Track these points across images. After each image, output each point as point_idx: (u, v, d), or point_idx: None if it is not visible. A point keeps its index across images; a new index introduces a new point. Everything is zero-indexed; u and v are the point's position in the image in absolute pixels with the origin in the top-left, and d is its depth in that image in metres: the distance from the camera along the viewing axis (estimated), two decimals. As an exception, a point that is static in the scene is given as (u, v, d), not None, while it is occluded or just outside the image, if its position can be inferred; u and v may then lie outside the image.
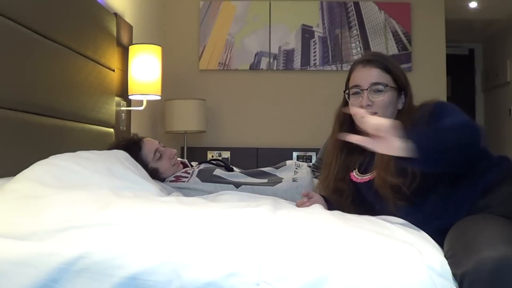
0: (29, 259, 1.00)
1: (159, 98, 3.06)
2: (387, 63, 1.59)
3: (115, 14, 2.79)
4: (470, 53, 6.04)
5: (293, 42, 4.23)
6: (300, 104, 4.21)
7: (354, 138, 1.29)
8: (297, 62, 4.23)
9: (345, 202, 1.66)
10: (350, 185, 1.66)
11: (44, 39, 1.96)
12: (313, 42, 4.23)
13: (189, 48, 4.24)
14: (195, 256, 1.01)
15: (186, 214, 1.20)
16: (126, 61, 2.92)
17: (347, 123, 1.67)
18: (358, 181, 1.64)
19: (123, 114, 2.93)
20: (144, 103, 3.04)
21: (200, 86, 4.20)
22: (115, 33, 2.74)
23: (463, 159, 1.31)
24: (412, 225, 1.37)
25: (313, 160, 3.82)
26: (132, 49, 2.91)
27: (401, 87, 1.60)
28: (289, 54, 4.23)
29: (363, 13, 4.22)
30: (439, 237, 1.24)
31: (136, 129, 3.09)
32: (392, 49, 4.19)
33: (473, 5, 4.81)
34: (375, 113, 1.55)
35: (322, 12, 4.24)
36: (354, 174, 1.66)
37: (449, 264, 1.07)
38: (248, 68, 4.24)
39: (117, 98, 2.80)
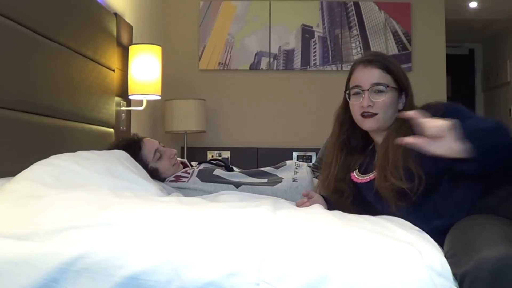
0: (29, 259, 1.00)
1: (159, 98, 3.06)
2: (388, 63, 1.59)
3: (115, 14, 2.79)
4: (470, 53, 6.04)
5: (293, 42, 4.23)
6: (300, 104, 4.21)
7: (408, 141, 1.27)
8: (297, 62, 4.23)
9: (345, 202, 1.66)
10: (350, 186, 1.66)
11: (44, 39, 1.96)
12: (313, 42, 4.23)
13: (189, 48, 4.24)
14: (195, 256, 1.01)
15: (186, 214, 1.20)
16: (126, 61, 2.92)
17: (347, 123, 1.67)
18: (359, 181, 1.64)
19: (123, 114, 2.93)
20: (144, 103, 3.04)
21: (200, 86, 4.20)
22: (115, 33, 2.75)
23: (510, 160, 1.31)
24: (412, 225, 1.37)
25: (313, 160, 3.82)
26: (132, 49, 2.92)
27: (402, 87, 1.59)
28: (289, 54, 4.23)
29: (363, 13, 4.22)
30: (439, 237, 1.24)
31: (136, 129, 3.09)
32: (392, 49, 4.19)
33: (473, 5, 4.81)
34: (375, 114, 1.55)
35: (322, 12, 4.24)
36: (355, 174, 1.66)
37: (450, 264, 1.07)
38: (248, 68, 4.24)
39: (117, 98, 2.80)
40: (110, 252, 1.01)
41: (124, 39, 2.96)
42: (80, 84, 2.28)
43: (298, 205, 1.66)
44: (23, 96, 1.82)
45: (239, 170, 2.21)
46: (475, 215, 1.32)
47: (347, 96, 1.63)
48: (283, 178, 2.08)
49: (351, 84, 1.61)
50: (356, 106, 1.58)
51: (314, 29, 4.24)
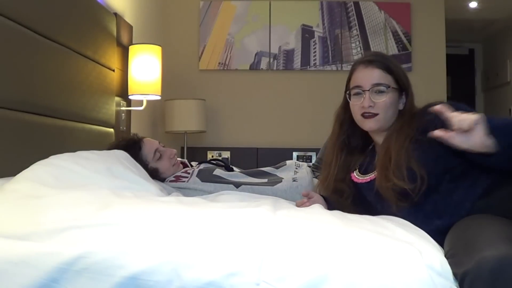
0: (29, 259, 1.00)
1: (159, 98, 3.06)
2: (388, 63, 1.58)
3: (115, 14, 2.79)
4: (470, 53, 6.04)
5: (293, 42, 4.23)
6: (300, 104, 4.21)
7: (437, 134, 1.28)
8: (297, 62, 4.23)
9: (345, 202, 1.66)
10: (350, 186, 1.66)
11: (44, 39, 1.96)
12: (313, 42, 4.23)
13: (189, 48, 4.24)
14: (195, 256, 1.01)
15: (186, 214, 1.20)
16: (126, 61, 2.92)
17: (347, 123, 1.67)
18: (359, 181, 1.64)
19: (123, 114, 2.93)
20: (144, 103, 3.04)
21: (200, 86, 4.20)
22: (115, 33, 2.75)
23: None
24: (412, 225, 1.37)
25: (313, 160, 3.82)
26: (132, 49, 2.92)
27: (403, 87, 1.59)
28: (289, 54, 4.23)
29: (363, 13, 4.22)
30: (439, 236, 1.24)
31: (136, 129, 3.09)
32: (392, 49, 4.19)
33: (473, 5, 4.81)
34: (376, 114, 1.55)
35: (322, 12, 4.24)
36: (355, 174, 1.66)
37: (450, 263, 1.07)
38: (248, 68, 4.24)
39: (117, 98, 2.80)
40: (110, 252, 1.01)
41: (124, 39, 2.96)
42: (80, 84, 2.28)
43: (298, 205, 1.66)
44: (23, 96, 1.82)
45: (239, 170, 2.21)
46: (475, 215, 1.32)
47: (347, 96, 1.63)
48: (283, 178, 2.08)
49: (352, 84, 1.61)
50: (357, 106, 1.58)
51: (314, 29, 4.24)
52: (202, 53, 4.22)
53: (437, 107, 1.31)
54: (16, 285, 0.98)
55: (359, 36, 4.21)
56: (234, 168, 2.24)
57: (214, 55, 4.22)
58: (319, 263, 1.01)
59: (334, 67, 4.21)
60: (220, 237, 1.06)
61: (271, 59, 4.23)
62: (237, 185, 2.02)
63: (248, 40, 4.23)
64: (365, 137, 1.67)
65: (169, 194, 1.80)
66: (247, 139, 4.19)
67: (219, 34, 4.22)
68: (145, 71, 2.87)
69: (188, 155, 3.79)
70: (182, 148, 3.90)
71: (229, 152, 4.10)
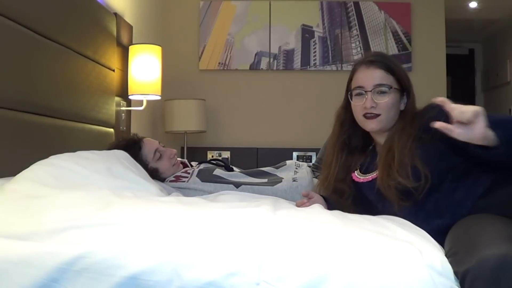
0: (30, 258, 1.00)
1: (159, 98, 3.06)
2: (390, 64, 1.58)
3: (115, 14, 2.79)
4: (470, 53, 6.04)
5: (293, 42, 4.23)
6: (300, 104, 4.21)
7: (438, 125, 1.27)
8: (297, 62, 4.23)
9: (345, 202, 1.66)
10: (351, 186, 1.66)
11: (44, 39, 1.96)
12: (313, 42, 4.23)
13: (189, 48, 4.24)
14: (195, 256, 1.01)
15: (186, 214, 1.20)
16: (126, 61, 2.92)
17: (348, 123, 1.67)
18: (360, 181, 1.64)
19: (123, 114, 2.93)
20: (144, 103, 3.04)
21: (200, 86, 4.20)
22: (115, 33, 2.75)
23: None
24: (412, 225, 1.37)
25: (313, 160, 3.82)
26: (132, 49, 2.92)
27: (404, 87, 1.59)
28: (289, 54, 4.23)
29: (363, 13, 4.22)
30: (440, 236, 1.24)
31: (136, 129, 3.09)
32: (392, 49, 4.19)
33: (473, 5, 4.81)
34: (378, 115, 1.55)
35: (322, 12, 4.24)
36: (356, 174, 1.66)
37: (451, 262, 1.07)
38: (248, 68, 4.24)
39: (117, 98, 2.80)
40: (110, 252, 1.01)
41: (124, 39, 2.96)
42: (80, 84, 2.28)
43: (298, 205, 1.66)
44: (23, 96, 1.82)
45: (239, 170, 2.21)
46: (476, 214, 1.32)
47: (349, 96, 1.62)
48: (283, 178, 2.08)
49: (353, 84, 1.61)
50: (359, 107, 1.58)
51: (314, 29, 4.24)
52: (202, 53, 4.22)
53: (439, 99, 1.31)
54: (16, 285, 0.98)
55: (359, 36, 4.21)
56: (234, 168, 2.24)
57: (214, 55, 4.22)
58: (319, 263, 1.01)
59: (334, 67, 4.21)
60: (220, 237, 1.06)
61: (271, 59, 4.23)
62: (237, 185, 2.02)
63: (248, 40, 4.23)
64: (366, 137, 1.67)
65: (169, 194, 1.80)
66: (247, 139, 4.19)
67: (219, 34, 4.22)
68: (145, 71, 2.87)
69: (188, 155, 3.79)
70: (182, 148, 3.90)
71: (229, 152, 4.10)
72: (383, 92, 1.55)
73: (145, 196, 1.49)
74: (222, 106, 4.22)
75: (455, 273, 1.04)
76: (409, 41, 4.20)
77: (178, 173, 2.12)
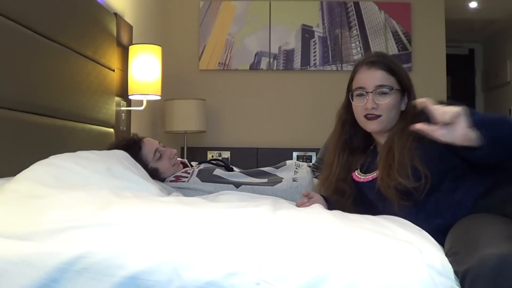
0: (30, 258, 1.00)
1: (159, 98, 3.06)
2: (391, 64, 1.58)
3: (115, 14, 2.79)
4: (470, 53, 6.04)
5: (293, 42, 4.23)
6: (300, 104, 4.21)
7: (419, 127, 1.27)
8: (297, 62, 4.23)
9: (346, 202, 1.66)
10: (352, 185, 1.66)
11: (44, 39, 1.96)
12: (313, 42, 4.23)
13: (189, 48, 4.24)
14: (195, 255, 1.01)
15: (186, 214, 1.20)
16: (126, 61, 2.92)
17: (349, 124, 1.67)
18: (361, 180, 1.64)
19: (123, 114, 2.93)
20: (144, 103, 3.04)
21: (200, 86, 4.20)
22: (115, 33, 2.75)
23: None
24: (412, 224, 1.37)
25: (313, 160, 3.82)
26: (132, 49, 2.92)
27: (405, 88, 1.59)
28: (289, 54, 4.23)
29: (363, 13, 4.22)
30: (440, 236, 1.24)
31: (136, 129, 3.09)
32: (392, 49, 4.19)
33: (473, 5, 4.81)
34: (379, 116, 1.55)
35: (322, 12, 4.24)
36: (356, 174, 1.67)
37: (451, 262, 1.07)
38: (248, 68, 4.24)
39: (117, 98, 2.80)
40: (110, 252, 1.01)
41: (124, 39, 2.96)
42: (80, 84, 2.28)
43: (298, 205, 1.66)
44: (23, 96, 1.82)
45: (239, 170, 2.21)
46: (476, 214, 1.32)
47: (350, 97, 1.63)
48: (283, 178, 2.08)
49: (354, 85, 1.61)
50: (360, 107, 1.58)
51: (314, 29, 4.24)
52: (202, 53, 4.22)
53: (421, 100, 1.31)
54: (16, 285, 0.98)
55: (359, 36, 4.21)
56: (234, 168, 2.24)
57: (214, 55, 4.22)
58: (319, 263, 1.01)
59: (334, 67, 4.21)
60: (220, 237, 1.06)
61: (271, 59, 4.23)
62: (237, 185, 2.02)
63: (248, 40, 4.23)
64: (367, 137, 1.67)
65: (169, 194, 1.80)
66: (247, 139, 4.19)
67: (219, 34, 4.22)
68: (145, 71, 2.87)
69: (188, 155, 3.79)
70: (182, 148, 3.90)
71: (229, 152, 4.10)
72: (384, 93, 1.56)
73: (145, 196, 1.49)
74: (222, 106, 4.22)
75: (455, 272, 1.04)
76: (409, 41, 4.20)
77: (178, 173, 2.12)
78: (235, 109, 4.24)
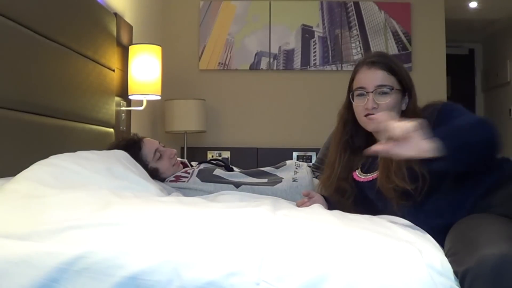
0: (30, 258, 1.00)
1: (159, 98, 3.06)
2: (392, 64, 1.59)
3: (115, 14, 2.79)
4: (470, 53, 6.04)
5: (293, 42, 4.23)
6: (300, 104, 4.21)
7: (376, 148, 1.25)
8: (297, 62, 4.23)
9: (346, 202, 1.66)
10: (352, 185, 1.67)
11: (44, 39, 1.96)
12: (313, 42, 4.23)
13: (189, 48, 4.24)
14: (195, 255, 1.01)
15: (186, 214, 1.20)
16: (126, 61, 2.92)
17: (350, 123, 1.67)
18: (361, 180, 1.64)
19: (123, 114, 2.93)
20: (144, 103, 3.04)
21: (200, 86, 4.20)
22: (115, 33, 2.75)
23: (486, 156, 1.31)
24: (412, 224, 1.37)
25: (313, 160, 3.82)
26: (132, 49, 2.92)
27: (406, 88, 1.59)
28: (289, 54, 4.23)
29: (363, 13, 4.22)
30: (440, 236, 1.24)
31: (136, 129, 3.09)
32: (392, 49, 4.19)
33: (473, 5, 4.81)
34: None
35: (322, 12, 4.24)
36: (357, 173, 1.67)
37: (451, 262, 1.07)
38: (248, 68, 4.24)
39: (117, 98, 2.80)
40: (110, 252, 1.01)
41: (124, 39, 2.96)
42: (80, 84, 2.28)
43: (299, 205, 1.66)
44: (23, 96, 1.82)
45: (239, 170, 2.21)
46: (476, 214, 1.32)
47: (350, 97, 1.63)
48: (283, 178, 2.08)
49: (355, 85, 1.61)
50: (360, 107, 1.58)
51: (314, 29, 4.24)
52: (202, 53, 4.22)
53: (377, 116, 1.30)
54: (16, 285, 0.98)
55: (359, 36, 4.21)
56: (234, 168, 2.24)
57: (214, 55, 4.22)
58: (319, 263, 1.00)
59: (334, 67, 4.21)
60: (220, 237, 1.06)
61: (271, 59, 4.23)
62: (237, 185, 2.02)
63: (248, 40, 4.23)
64: (368, 137, 1.67)
65: (169, 194, 1.80)
66: (247, 139, 4.19)
67: (219, 34, 4.22)
68: (145, 71, 2.87)
69: (188, 155, 3.79)
70: (182, 148, 3.90)
71: (229, 152, 4.10)
72: (384, 93, 1.56)
73: (145, 196, 1.49)
74: (222, 106, 4.22)
75: (455, 273, 1.04)
76: (409, 41, 4.20)
77: (178, 173, 2.12)
78: (235, 109, 4.24)
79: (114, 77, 2.73)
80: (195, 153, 3.95)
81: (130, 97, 2.97)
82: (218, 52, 4.22)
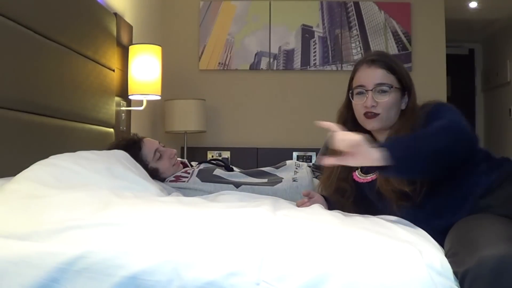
0: (30, 258, 1.00)
1: (159, 98, 3.06)
2: (391, 63, 1.59)
3: (115, 14, 2.79)
4: (470, 53, 6.04)
5: (293, 42, 4.23)
6: (300, 104, 4.21)
7: (329, 161, 1.29)
8: (297, 62, 4.23)
9: (346, 202, 1.66)
10: (352, 185, 1.67)
11: (45, 39, 1.96)
12: (313, 42, 4.23)
13: (189, 48, 4.24)
14: (195, 255, 1.01)
15: (186, 214, 1.20)
16: (126, 61, 2.92)
17: (350, 123, 1.67)
18: (361, 181, 1.64)
19: (123, 114, 2.93)
20: (144, 103, 3.04)
21: (200, 86, 4.20)
22: (115, 33, 2.75)
23: (443, 165, 1.33)
24: (412, 225, 1.37)
25: (313, 160, 3.82)
26: (132, 49, 2.92)
27: (405, 87, 1.59)
28: (289, 54, 4.23)
29: (363, 13, 4.22)
30: (440, 236, 1.24)
31: (136, 129, 3.09)
32: (392, 49, 4.19)
33: (473, 5, 4.81)
34: (378, 114, 1.55)
35: (322, 12, 4.24)
36: (357, 173, 1.67)
37: (451, 262, 1.07)
38: (248, 68, 4.24)
39: (117, 98, 2.81)
40: (110, 252, 1.01)
41: (124, 39, 2.96)
42: (80, 84, 2.28)
43: (299, 205, 1.66)
44: (23, 96, 1.82)
45: (239, 170, 2.21)
46: (476, 214, 1.32)
47: (350, 95, 1.63)
48: (283, 178, 2.08)
49: (355, 83, 1.61)
50: (359, 105, 1.58)
51: (314, 29, 4.24)
52: (202, 53, 4.22)
53: (325, 124, 1.34)
54: (16, 284, 0.98)
55: (359, 36, 4.21)
56: (234, 168, 2.24)
57: (214, 55, 4.22)
58: (319, 263, 1.01)
59: (334, 67, 4.21)
60: (220, 237, 1.06)
61: (271, 59, 4.23)
62: (237, 185, 2.02)
63: (248, 40, 4.23)
64: (368, 136, 1.67)
65: (169, 194, 1.80)
66: (247, 139, 4.19)
67: (219, 34, 4.22)
68: (145, 71, 2.87)
69: (188, 155, 3.79)
70: (182, 148, 3.90)
71: (229, 152, 4.10)
72: (384, 91, 1.56)
73: (145, 196, 1.49)
74: (222, 106, 4.22)
75: (455, 273, 1.04)
76: (409, 41, 4.20)
77: (178, 173, 2.12)
78: (235, 109, 4.24)
79: (114, 77, 2.73)
80: (195, 153, 3.95)
81: (130, 97, 2.97)
82: (218, 52, 4.22)
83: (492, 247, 1.02)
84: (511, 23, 5.09)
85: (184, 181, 2.05)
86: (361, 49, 4.20)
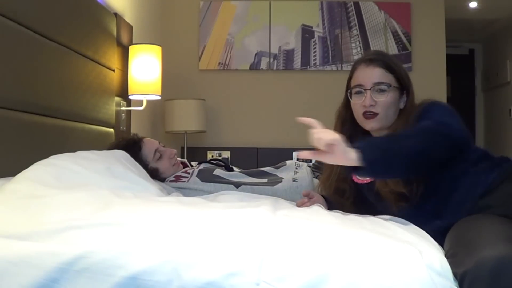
0: (30, 258, 1.00)
1: (159, 98, 3.06)
2: (390, 62, 1.59)
3: (115, 14, 2.79)
4: (470, 53, 6.04)
5: (293, 42, 4.23)
6: (300, 104, 4.21)
7: (304, 154, 1.31)
8: (297, 62, 4.23)
9: (346, 202, 1.66)
10: (352, 186, 1.66)
11: (45, 39, 1.96)
12: (313, 42, 4.23)
13: (189, 48, 4.24)
14: (195, 256, 1.01)
15: (186, 214, 1.20)
16: (126, 61, 2.92)
17: (349, 123, 1.67)
18: (360, 182, 1.64)
19: (123, 114, 2.93)
20: (144, 103, 3.04)
21: (200, 86, 4.20)
22: (115, 33, 2.75)
23: (420, 167, 1.34)
24: (412, 225, 1.37)
25: (313, 160, 3.81)
26: (132, 49, 2.92)
27: (404, 86, 1.59)
28: (289, 54, 4.23)
29: (363, 13, 4.22)
30: (439, 237, 1.24)
31: (136, 129, 3.09)
32: (392, 49, 4.19)
33: (473, 5, 4.81)
34: (376, 114, 1.55)
35: (322, 12, 4.24)
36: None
37: (450, 263, 1.07)
38: (248, 68, 4.24)
39: (117, 98, 2.81)
40: (110, 252, 1.01)
41: (124, 39, 2.96)
42: (80, 84, 2.28)
43: (299, 205, 1.66)
44: (23, 96, 1.82)
45: (239, 170, 2.21)
46: (476, 215, 1.32)
47: (348, 95, 1.63)
48: (283, 178, 2.08)
49: (353, 83, 1.61)
50: (358, 105, 1.58)
51: (314, 29, 4.24)
52: (202, 53, 4.22)
53: (305, 120, 1.37)
54: (16, 284, 0.98)
55: (359, 36, 4.21)
56: (234, 168, 2.24)
57: (214, 55, 4.22)
58: (319, 263, 1.01)
59: (334, 67, 4.21)
60: (220, 237, 1.06)
61: (271, 59, 4.23)
62: (237, 185, 2.02)
63: (248, 40, 4.23)
64: (367, 135, 1.67)
65: (169, 194, 1.80)
66: (247, 139, 4.19)
67: (219, 34, 4.22)
68: (145, 71, 2.87)
69: (188, 155, 3.79)
70: (182, 148, 3.90)
71: (229, 152, 4.10)
72: (382, 90, 1.56)
73: (145, 196, 1.49)
74: (222, 106, 4.22)
75: (454, 274, 1.04)
76: (409, 41, 4.20)
77: (178, 173, 2.12)
78: (235, 109, 4.24)
79: (114, 77, 2.73)
80: (195, 153, 3.95)
81: (130, 97, 2.97)
82: (218, 52, 4.22)
83: (491, 248, 1.02)
84: (511, 23, 5.09)
85: (184, 181, 2.05)
86: (361, 49, 4.20)
